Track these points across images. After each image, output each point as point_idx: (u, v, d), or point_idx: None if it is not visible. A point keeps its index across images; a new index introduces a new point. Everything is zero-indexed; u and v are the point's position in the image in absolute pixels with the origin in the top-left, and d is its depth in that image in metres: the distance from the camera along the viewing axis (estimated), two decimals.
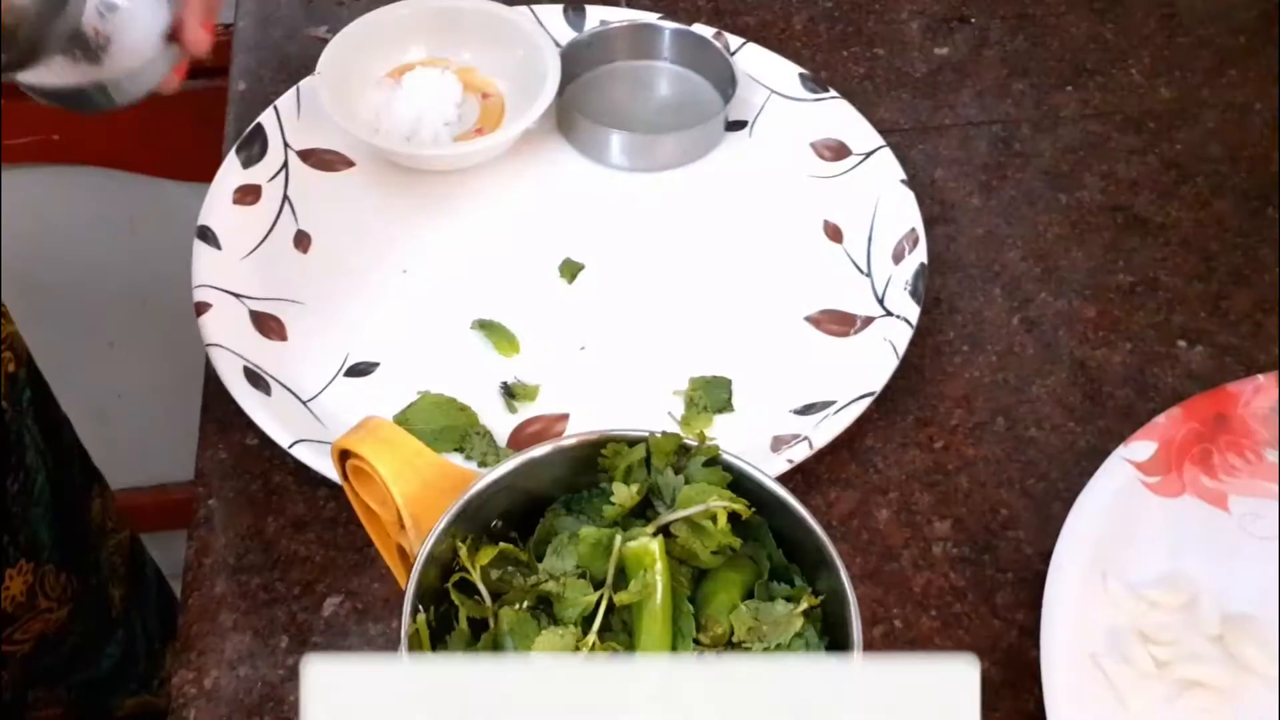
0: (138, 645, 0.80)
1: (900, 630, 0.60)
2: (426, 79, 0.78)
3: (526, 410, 0.66)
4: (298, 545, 0.61)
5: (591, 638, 0.41)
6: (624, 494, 0.45)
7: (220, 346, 0.65)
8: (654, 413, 0.66)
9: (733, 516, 0.44)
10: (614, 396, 0.67)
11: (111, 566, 0.76)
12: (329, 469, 0.61)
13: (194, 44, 0.55)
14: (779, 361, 0.69)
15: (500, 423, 0.66)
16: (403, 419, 0.64)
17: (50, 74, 0.54)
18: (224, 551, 0.61)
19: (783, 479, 0.57)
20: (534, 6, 0.82)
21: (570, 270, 0.73)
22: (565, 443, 0.46)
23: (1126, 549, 0.59)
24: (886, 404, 0.67)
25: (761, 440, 0.63)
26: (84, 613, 0.69)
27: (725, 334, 0.70)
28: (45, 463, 0.69)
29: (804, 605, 0.43)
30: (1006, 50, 0.88)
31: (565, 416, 0.66)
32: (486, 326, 0.69)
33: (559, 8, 0.83)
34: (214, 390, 0.66)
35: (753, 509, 0.44)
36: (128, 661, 0.79)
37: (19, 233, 0.91)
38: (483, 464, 0.63)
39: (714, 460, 0.45)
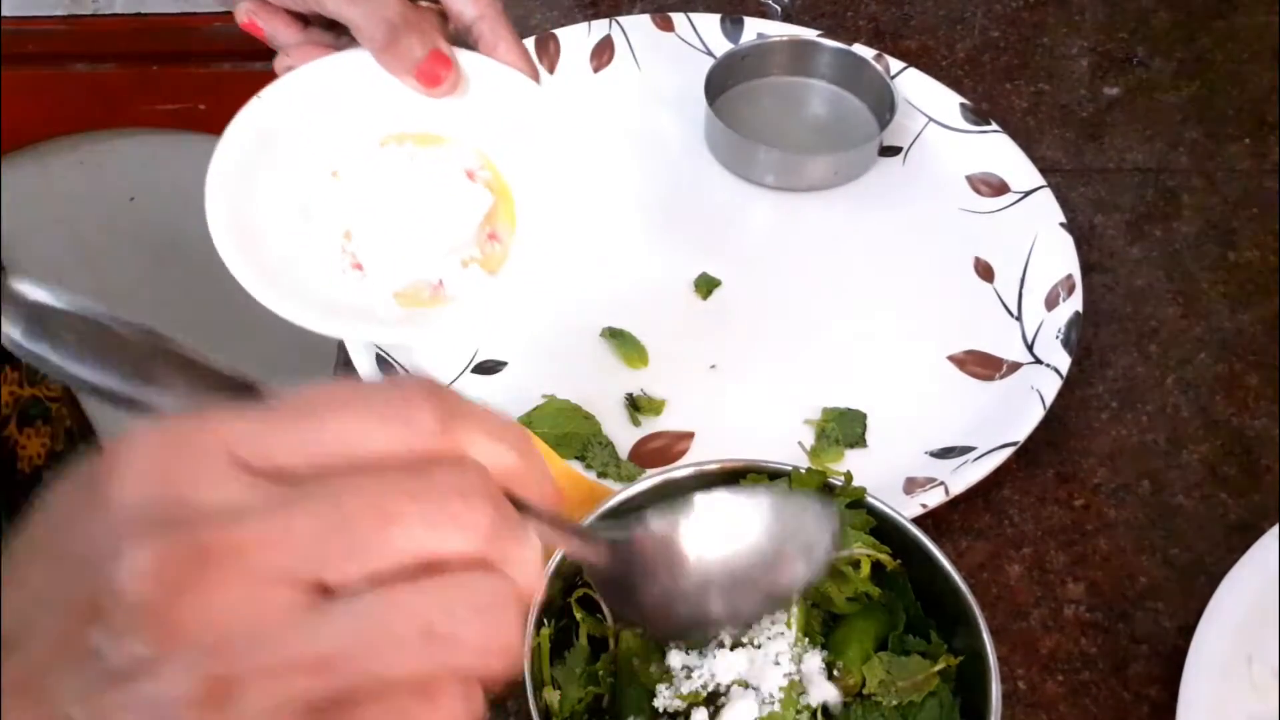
0: None
1: (1024, 692, 0.57)
2: None
3: (650, 424, 0.65)
4: None
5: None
6: None
7: None
8: (783, 440, 0.64)
9: (874, 564, 0.42)
10: (742, 419, 0.65)
11: None
12: None
13: None
14: (917, 400, 0.66)
15: (623, 434, 0.64)
16: (526, 421, 0.64)
17: None
18: None
19: (913, 523, 0.55)
20: (691, 15, 0.81)
21: (706, 286, 0.71)
22: (707, 467, 0.45)
23: (1275, 633, 0.56)
24: (1026, 455, 0.64)
25: (894, 480, 0.61)
26: None
27: (862, 365, 0.68)
28: None
29: (941, 665, 0.41)
30: (1181, 95, 0.84)
31: (690, 435, 0.65)
32: (616, 336, 0.68)
33: (716, 18, 0.81)
34: (344, 374, 0.66)
35: (897, 560, 0.42)
36: None
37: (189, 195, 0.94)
38: (603, 474, 0.62)
39: (858, 503, 0.43)
